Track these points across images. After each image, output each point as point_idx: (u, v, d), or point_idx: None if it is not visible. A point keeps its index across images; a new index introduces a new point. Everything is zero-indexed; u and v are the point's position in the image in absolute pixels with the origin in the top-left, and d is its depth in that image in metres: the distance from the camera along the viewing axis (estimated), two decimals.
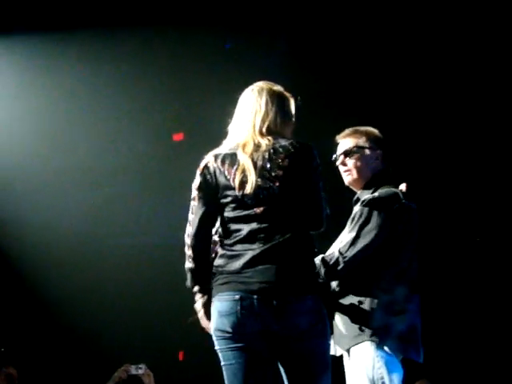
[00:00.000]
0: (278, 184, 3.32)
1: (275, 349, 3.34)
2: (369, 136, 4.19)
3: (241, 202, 3.32)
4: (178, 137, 7.42)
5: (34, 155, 7.14)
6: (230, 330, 3.29)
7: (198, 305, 3.44)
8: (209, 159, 3.43)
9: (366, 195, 4.02)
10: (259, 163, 3.32)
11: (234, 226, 3.35)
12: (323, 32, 7.08)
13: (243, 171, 3.32)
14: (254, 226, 3.31)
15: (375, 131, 4.24)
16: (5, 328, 6.90)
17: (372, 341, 3.85)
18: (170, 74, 7.25)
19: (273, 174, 3.32)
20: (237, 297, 3.27)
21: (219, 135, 7.03)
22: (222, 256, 3.36)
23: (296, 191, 3.33)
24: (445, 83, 6.94)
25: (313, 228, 3.37)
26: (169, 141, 7.39)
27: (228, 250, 3.34)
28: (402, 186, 4.11)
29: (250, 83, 7.31)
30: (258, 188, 3.31)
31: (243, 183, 3.31)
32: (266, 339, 3.31)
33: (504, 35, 6.77)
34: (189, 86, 7.22)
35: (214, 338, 3.37)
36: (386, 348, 3.85)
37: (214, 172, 3.38)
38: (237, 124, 3.50)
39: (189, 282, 3.42)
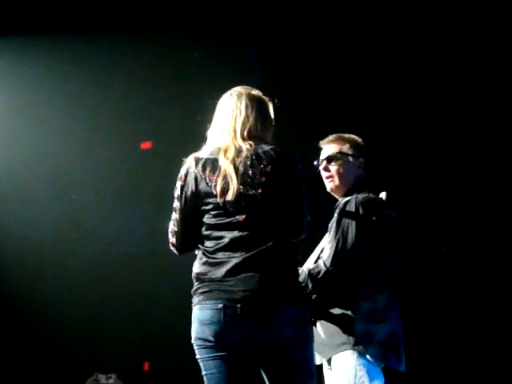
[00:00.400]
0: (260, 191, 3.30)
1: (258, 356, 3.32)
2: (352, 143, 4.20)
3: (222, 209, 3.31)
4: (145, 145, 7.39)
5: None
6: (211, 338, 3.26)
7: None
8: (189, 164, 3.42)
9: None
10: (241, 169, 3.31)
11: (215, 233, 3.33)
12: (294, 41, 7.10)
13: (225, 177, 3.31)
14: (236, 233, 3.29)
15: (358, 139, 4.26)
16: None
17: (354, 349, 3.85)
18: (140, 82, 7.21)
19: (255, 180, 3.32)
20: (220, 305, 3.25)
21: (187, 144, 7.13)
22: (203, 263, 3.35)
23: (278, 198, 3.32)
24: (426, 92, 6.99)
25: (294, 235, 3.36)
26: (137, 149, 7.38)
27: (210, 258, 3.32)
28: (382, 195, 4.10)
29: (220, 92, 7.30)
30: (239, 195, 3.30)
31: (225, 190, 3.29)
32: (248, 347, 3.29)
33: (497, 35, 6.82)
34: (158, 95, 7.22)
35: (195, 348, 3.34)
36: (367, 356, 3.86)
37: (195, 178, 3.37)
38: (216, 128, 3.50)
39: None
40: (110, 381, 6.07)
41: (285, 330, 3.26)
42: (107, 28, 7.05)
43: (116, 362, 6.68)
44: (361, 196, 3.99)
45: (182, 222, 3.40)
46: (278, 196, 3.33)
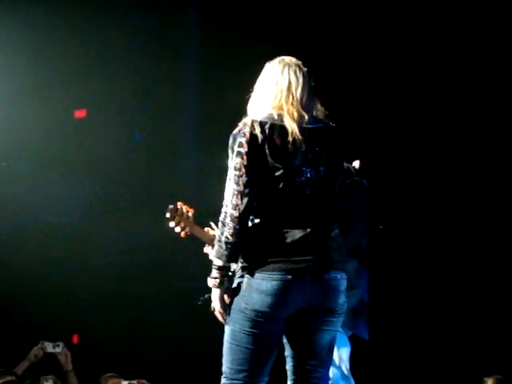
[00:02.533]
0: (323, 166, 3.31)
1: (297, 324, 3.32)
2: (325, 114, 4.20)
3: (289, 179, 3.26)
4: (80, 113, 7.29)
5: None
6: (268, 310, 3.22)
7: (219, 283, 3.30)
8: (254, 127, 3.25)
9: None
10: (307, 137, 3.29)
11: (278, 204, 3.27)
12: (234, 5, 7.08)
13: (294, 142, 3.25)
14: (300, 206, 3.27)
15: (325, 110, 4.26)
16: None
17: None
18: (77, 50, 7.12)
19: (320, 154, 3.32)
20: (289, 277, 3.22)
21: (123, 112, 7.11)
22: (266, 232, 3.27)
23: (335, 176, 3.37)
24: (419, 89, 7.06)
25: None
26: (71, 117, 7.28)
27: (272, 227, 3.26)
28: (356, 163, 4.14)
29: (160, 60, 7.16)
30: (306, 164, 3.28)
31: (293, 154, 3.25)
32: (293, 317, 3.30)
33: (497, 35, 6.86)
34: (94, 63, 7.13)
35: (240, 316, 3.25)
36: None
37: (263, 143, 3.23)
38: (272, 92, 3.35)
39: (222, 256, 3.23)
40: (57, 349, 5.94)
41: (340, 297, 3.35)
42: None
43: (62, 331, 6.64)
44: None
45: (250, 193, 3.23)
46: (333, 175, 3.37)
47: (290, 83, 3.33)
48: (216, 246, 3.24)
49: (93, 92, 7.20)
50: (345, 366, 4.12)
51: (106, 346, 6.74)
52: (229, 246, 3.19)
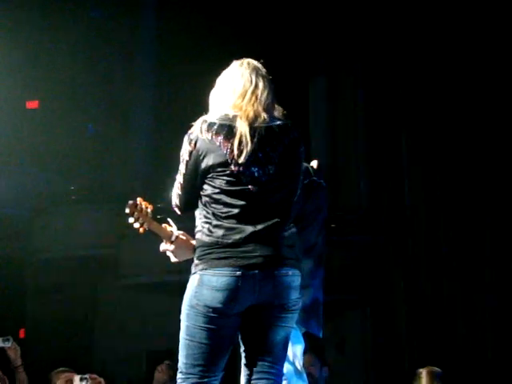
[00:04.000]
0: (273, 165, 3.31)
1: (257, 320, 3.35)
2: (283, 113, 4.21)
3: (235, 177, 3.28)
4: (32, 104, 7.31)
5: None
6: (219, 306, 3.26)
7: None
8: (200, 128, 3.31)
9: None
10: (257, 137, 3.29)
11: (226, 199, 3.31)
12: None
13: (240, 142, 3.28)
14: (247, 203, 3.30)
15: (283, 110, 4.27)
16: None
17: None
18: (30, 40, 7.09)
19: (270, 153, 3.32)
20: (238, 273, 3.25)
21: (73, 103, 7.12)
22: (216, 226, 3.32)
23: (286, 176, 3.36)
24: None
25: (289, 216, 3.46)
26: (23, 108, 7.29)
27: (223, 222, 3.30)
28: (314, 163, 4.14)
29: (114, 52, 7.08)
30: (253, 163, 3.29)
31: (239, 154, 3.27)
32: (246, 314, 3.32)
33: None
34: (47, 53, 7.10)
35: (193, 312, 3.29)
36: None
37: (207, 144, 3.29)
38: (230, 93, 3.40)
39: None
40: (7, 344, 5.65)
41: (292, 293, 3.37)
42: None
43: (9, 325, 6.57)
44: None
45: (187, 186, 3.35)
46: (286, 173, 3.36)
47: (256, 87, 3.39)
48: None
49: (45, 83, 7.15)
50: (298, 362, 4.11)
51: (55, 340, 6.74)
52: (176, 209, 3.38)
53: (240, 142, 3.28)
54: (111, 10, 7.17)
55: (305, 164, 3.89)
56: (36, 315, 7.02)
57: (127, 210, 3.43)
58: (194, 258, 3.32)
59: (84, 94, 7.23)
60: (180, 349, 3.33)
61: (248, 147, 3.29)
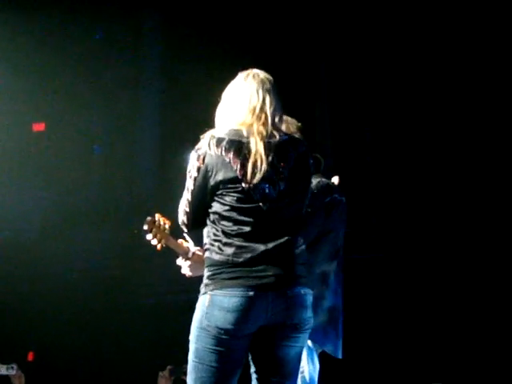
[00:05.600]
0: (284, 182, 3.28)
1: (263, 341, 3.29)
2: (297, 126, 4.22)
3: (246, 194, 3.24)
4: (38, 127, 7.31)
5: None
6: (231, 327, 3.19)
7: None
8: (208, 144, 3.26)
9: None
10: (271, 156, 3.25)
11: (237, 216, 3.26)
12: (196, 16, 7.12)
13: (255, 162, 3.23)
14: (258, 221, 3.25)
15: (297, 122, 4.29)
16: None
17: None
18: (36, 64, 7.15)
19: (280, 170, 3.28)
20: (250, 293, 3.20)
21: (82, 126, 7.17)
22: (226, 244, 3.26)
23: (295, 192, 3.34)
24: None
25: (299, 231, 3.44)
26: (29, 131, 7.32)
27: (234, 240, 3.25)
28: (335, 179, 4.19)
29: (120, 74, 7.14)
30: (265, 181, 3.26)
31: (252, 174, 3.23)
32: (257, 334, 3.27)
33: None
34: (53, 76, 7.14)
35: (203, 334, 3.23)
36: (308, 341, 3.90)
37: (216, 160, 3.23)
38: (240, 108, 3.35)
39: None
40: (11, 371, 5.95)
41: (305, 312, 3.32)
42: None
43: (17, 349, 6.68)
44: (315, 180, 4.01)
45: (195, 203, 3.29)
46: (296, 189, 3.34)
47: (263, 102, 3.34)
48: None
49: (51, 106, 7.21)
50: None
51: (64, 363, 6.72)
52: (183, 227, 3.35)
53: (255, 160, 3.23)
54: (116, 33, 7.21)
55: (325, 180, 4.06)
56: (45, 339, 7.00)
57: (145, 227, 3.39)
58: (204, 278, 3.27)
59: (89, 115, 7.27)
60: (188, 372, 3.27)
61: (263, 164, 3.24)
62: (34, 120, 7.29)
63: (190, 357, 3.25)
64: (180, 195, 3.30)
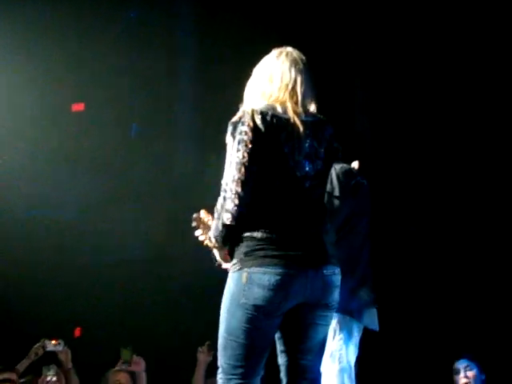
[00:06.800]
0: (321, 161, 3.33)
1: (294, 319, 3.32)
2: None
3: (290, 172, 3.27)
4: (78, 107, 7.33)
5: None
6: (269, 305, 3.20)
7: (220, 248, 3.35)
8: (255, 117, 3.24)
9: None
10: (308, 136, 3.31)
11: (279, 195, 3.26)
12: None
13: (299, 137, 3.27)
14: (301, 198, 3.28)
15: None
16: None
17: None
18: (73, 43, 7.20)
19: (318, 150, 3.33)
20: (291, 272, 3.20)
21: (120, 105, 7.26)
22: (268, 222, 3.24)
23: (327, 171, 3.42)
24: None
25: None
26: (68, 111, 7.34)
27: (275, 218, 3.24)
28: (355, 164, 4.25)
29: (156, 52, 7.24)
30: (306, 159, 3.30)
31: (295, 150, 3.26)
32: (289, 313, 3.29)
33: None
34: (92, 56, 7.19)
35: (239, 311, 3.23)
36: (347, 318, 4.05)
37: (265, 133, 3.22)
38: (276, 89, 3.36)
39: (218, 238, 3.27)
40: (58, 347, 6.03)
41: (336, 292, 3.38)
42: None
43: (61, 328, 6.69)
44: (337, 166, 4.10)
45: (251, 181, 3.21)
46: (328, 168, 3.43)
47: (295, 82, 3.35)
48: (213, 229, 3.26)
49: (90, 86, 7.25)
50: (347, 358, 4.17)
51: (109, 340, 6.77)
52: (225, 229, 3.20)
53: (296, 135, 3.25)
54: (151, 11, 7.25)
55: (347, 165, 4.16)
56: (89, 316, 7.13)
57: (194, 224, 3.48)
58: (239, 254, 3.24)
59: (127, 95, 7.33)
60: (220, 348, 3.30)
61: (305, 142, 3.28)
62: (73, 100, 7.32)
63: (222, 333, 3.27)
64: (219, 177, 3.24)
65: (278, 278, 3.17)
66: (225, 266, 3.39)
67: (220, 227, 3.21)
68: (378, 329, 4.22)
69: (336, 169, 4.13)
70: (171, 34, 7.33)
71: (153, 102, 7.34)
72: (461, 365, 6.12)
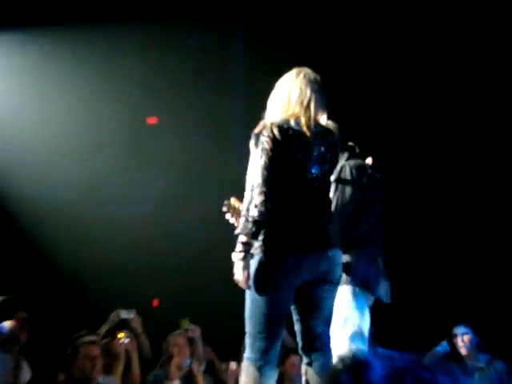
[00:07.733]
0: (327, 165, 3.74)
1: (306, 294, 3.69)
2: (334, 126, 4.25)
3: (302, 175, 3.61)
4: (152, 120, 7.82)
5: (29, 136, 7.54)
6: (287, 282, 3.54)
7: (243, 257, 3.54)
8: (273, 129, 3.58)
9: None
10: (317, 144, 3.68)
11: (293, 191, 3.60)
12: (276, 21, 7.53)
13: (308, 147, 3.62)
14: (312, 196, 3.64)
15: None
16: (14, 280, 6.90)
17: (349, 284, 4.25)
18: (149, 63, 7.81)
19: (326, 155, 3.71)
20: (303, 254, 3.55)
21: (191, 120, 7.75)
22: (286, 218, 3.56)
23: (331, 173, 3.83)
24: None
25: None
26: (143, 123, 7.87)
27: (291, 214, 3.57)
28: (369, 160, 4.55)
29: (216, 73, 7.30)
30: (315, 163, 3.66)
31: (306, 157, 3.62)
32: (301, 288, 3.65)
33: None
34: (160, 77, 7.80)
35: (262, 287, 3.54)
36: (357, 290, 4.31)
37: (281, 143, 3.57)
38: (292, 105, 3.71)
39: (248, 233, 3.49)
40: (130, 315, 6.30)
41: (340, 270, 3.76)
42: (114, 17, 7.52)
43: (133, 299, 6.98)
44: (352, 161, 4.39)
45: (273, 182, 3.52)
46: (331, 170, 3.82)
47: (309, 100, 3.72)
48: (242, 225, 3.52)
49: (161, 102, 7.83)
50: (360, 325, 4.37)
51: (174, 313, 7.03)
52: (255, 225, 3.50)
53: (307, 145, 3.65)
54: (203, 38, 7.80)
55: (360, 161, 4.45)
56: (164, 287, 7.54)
57: (224, 209, 3.88)
58: (262, 239, 3.59)
59: (189, 110, 7.89)
60: (247, 317, 3.69)
61: (312, 149, 3.67)
62: (147, 114, 7.89)
63: (249, 306, 3.67)
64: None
65: (292, 259, 3.55)
66: (241, 282, 3.66)
67: (250, 224, 3.52)
68: (390, 301, 4.44)
69: (350, 164, 4.35)
70: (223, 56, 7.82)
71: (209, 115, 7.83)
72: (458, 330, 6.65)
